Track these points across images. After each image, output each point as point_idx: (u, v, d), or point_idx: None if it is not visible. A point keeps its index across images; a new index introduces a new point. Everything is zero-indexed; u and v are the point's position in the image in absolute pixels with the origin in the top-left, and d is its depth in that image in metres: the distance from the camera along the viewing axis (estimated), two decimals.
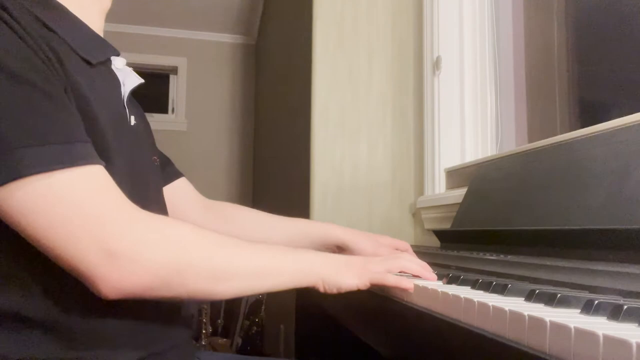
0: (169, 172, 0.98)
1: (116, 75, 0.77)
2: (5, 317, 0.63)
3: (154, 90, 4.12)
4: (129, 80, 0.78)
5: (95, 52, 0.73)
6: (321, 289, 0.72)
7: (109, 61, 0.77)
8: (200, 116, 4.17)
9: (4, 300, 0.63)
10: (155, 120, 4.01)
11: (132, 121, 0.78)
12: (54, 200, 0.58)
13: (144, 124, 0.85)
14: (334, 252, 0.99)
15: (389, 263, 0.76)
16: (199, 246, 0.65)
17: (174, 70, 4.21)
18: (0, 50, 0.59)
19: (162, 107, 4.18)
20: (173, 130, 4.07)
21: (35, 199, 0.57)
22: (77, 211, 0.58)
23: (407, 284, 0.70)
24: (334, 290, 0.72)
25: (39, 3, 0.69)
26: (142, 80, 0.80)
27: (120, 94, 0.77)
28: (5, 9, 0.62)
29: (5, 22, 0.61)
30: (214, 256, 0.66)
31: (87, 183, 0.60)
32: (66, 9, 0.73)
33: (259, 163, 3.90)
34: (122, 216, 0.61)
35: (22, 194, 0.57)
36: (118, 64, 0.78)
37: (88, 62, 0.71)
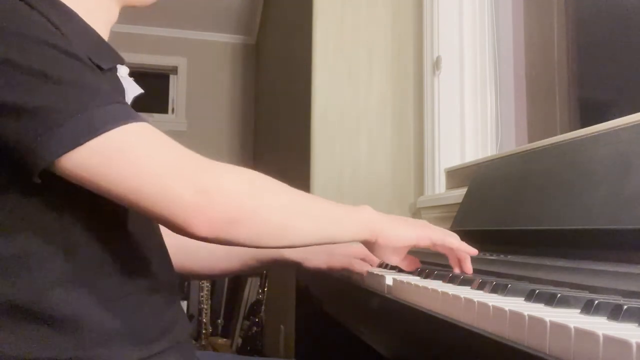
0: None
1: (121, 83, 0.78)
2: (12, 311, 0.63)
3: (154, 90, 4.12)
4: (131, 89, 0.80)
5: (106, 59, 0.74)
6: (380, 241, 0.74)
7: (115, 68, 0.78)
8: (200, 116, 4.17)
9: (10, 292, 0.63)
10: (155, 120, 4.01)
11: None
12: (135, 150, 0.60)
13: None
14: None
15: (443, 234, 0.78)
16: (269, 183, 0.68)
17: (174, 70, 4.21)
18: (45, 30, 0.62)
19: (162, 107, 4.18)
20: (173, 130, 4.07)
21: (116, 152, 0.59)
22: (160, 156, 0.62)
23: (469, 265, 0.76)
24: (393, 242, 0.74)
25: (54, 7, 0.70)
26: (142, 91, 0.83)
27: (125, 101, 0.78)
28: (35, 3, 0.64)
29: (40, 12, 0.63)
30: (287, 195, 0.68)
31: (156, 134, 0.64)
32: (78, 15, 0.74)
33: (259, 163, 3.90)
34: (197, 156, 0.64)
35: (103, 149, 0.59)
36: (122, 73, 0.80)
37: (99, 68, 0.71)
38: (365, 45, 1.96)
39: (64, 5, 0.72)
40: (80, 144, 0.58)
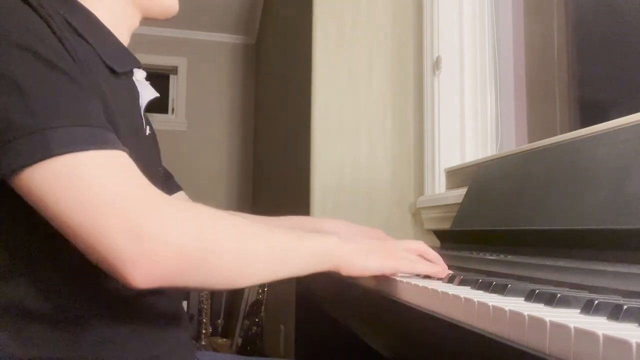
0: (171, 184, 1.00)
1: (136, 87, 0.79)
2: (12, 310, 0.63)
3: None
4: (146, 92, 0.80)
5: (120, 62, 0.74)
6: (343, 272, 0.70)
7: (131, 72, 0.78)
8: (200, 116, 4.17)
9: (14, 293, 0.63)
10: (155, 120, 3.99)
11: (147, 131, 0.81)
12: (82, 180, 0.56)
13: (154, 135, 0.87)
14: None
15: (412, 264, 0.74)
16: (224, 227, 0.63)
17: (174, 70, 4.21)
18: (36, 37, 0.59)
19: (162, 107, 4.18)
20: (173, 130, 4.07)
21: (63, 179, 0.56)
22: (104, 191, 0.57)
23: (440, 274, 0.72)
24: (356, 274, 0.71)
25: (71, 9, 0.70)
26: (158, 94, 0.82)
27: (139, 105, 0.79)
28: (42, 6, 0.63)
29: (41, 16, 0.62)
30: (238, 238, 0.64)
31: (114, 165, 0.59)
32: (96, 17, 0.74)
33: (259, 163, 3.90)
34: (149, 197, 0.59)
35: (50, 174, 0.56)
36: (138, 76, 0.80)
37: (113, 71, 0.72)
38: (365, 45, 1.96)
39: (87, 10, 0.73)
40: (29, 164, 0.55)
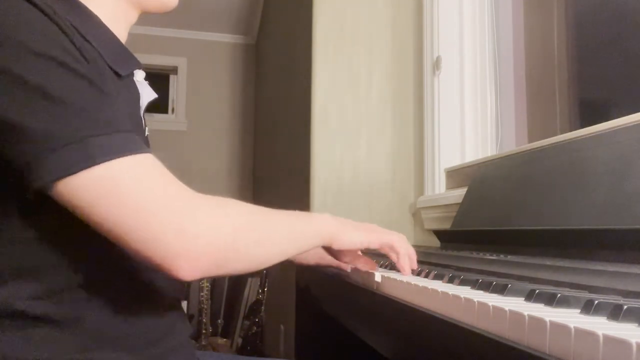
0: None
1: (137, 88, 0.79)
2: (18, 313, 0.63)
3: (154, 90, 4.11)
4: (146, 93, 0.80)
5: (124, 65, 0.74)
6: (335, 246, 0.79)
7: (132, 74, 0.78)
8: (200, 116, 4.17)
9: (19, 297, 0.63)
10: (155, 120, 4.01)
11: (147, 132, 0.81)
12: (124, 186, 0.59)
13: (148, 136, 0.87)
14: None
15: (390, 238, 0.85)
16: (248, 218, 0.69)
17: (174, 70, 4.21)
18: (54, 44, 0.60)
19: (162, 107, 4.18)
20: (173, 130, 4.07)
21: (106, 186, 0.58)
22: (149, 195, 0.60)
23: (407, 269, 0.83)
24: (346, 246, 0.80)
25: (75, 12, 0.69)
26: (157, 95, 0.83)
27: (139, 106, 0.78)
28: (54, 11, 0.62)
29: (54, 21, 0.61)
30: (259, 226, 0.69)
31: (150, 168, 0.62)
32: (99, 19, 0.74)
33: (259, 163, 3.90)
34: (185, 196, 0.63)
35: (93, 181, 0.58)
36: (138, 77, 0.80)
37: (117, 74, 0.72)
38: (365, 45, 1.96)
39: (89, 12, 0.73)
40: (72, 172, 0.57)
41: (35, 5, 0.60)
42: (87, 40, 0.67)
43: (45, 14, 0.61)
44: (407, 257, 0.84)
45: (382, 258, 1.00)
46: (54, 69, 0.59)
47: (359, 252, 0.93)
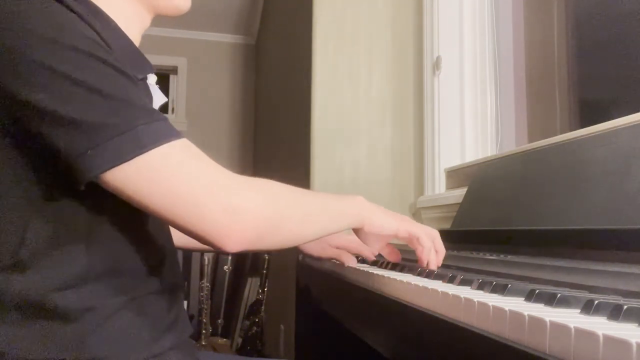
0: None
1: (150, 91, 0.79)
2: (24, 306, 0.63)
3: None
4: (157, 97, 0.82)
5: (139, 69, 0.76)
6: (366, 228, 0.82)
7: (146, 77, 0.79)
8: (200, 116, 4.17)
9: (26, 289, 0.63)
10: None
11: None
12: (174, 171, 0.63)
13: None
14: None
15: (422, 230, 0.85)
16: (287, 195, 0.73)
17: (174, 70, 4.21)
18: (98, 47, 0.63)
19: (162, 107, 4.17)
20: None
21: (158, 171, 0.62)
22: (197, 176, 0.64)
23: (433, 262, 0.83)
24: (377, 230, 0.82)
25: (99, 20, 0.70)
26: (167, 99, 0.84)
27: None
28: (83, 12, 0.64)
29: (81, 18, 0.64)
30: (298, 203, 0.74)
31: (192, 152, 0.66)
32: (116, 23, 0.75)
33: (259, 163, 3.90)
34: (230, 176, 0.67)
35: (145, 168, 0.61)
36: (151, 81, 0.81)
37: (134, 77, 0.72)
38: (365, 45, 1.96)
39: (107, 17, 0.74)
40: (126, 160, 0.60)
41: (66, 6, 0.63)
42: (107, 43, 0.68)
43: (76, 13, 0.63)
44: (431, 251, 0.84)
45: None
46: (101, 68, 0.62)
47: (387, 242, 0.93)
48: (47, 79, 0.59)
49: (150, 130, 0.62)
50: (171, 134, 0.64)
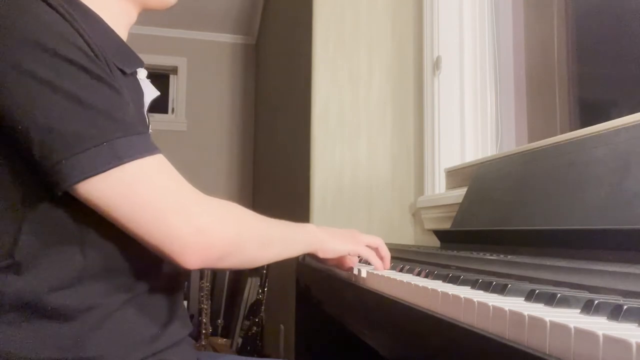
0: None
1: (140, 86, 0.79)
2: (22, 307, 0.63)
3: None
4: (148, 91, 0.81)
5: (128, 63, 0.75)
6: (320, 255, 0.87)
7: (135, 72, 0.79)
8: (200, 116, 4.17)
9: (25, 289, 0.63)
10: (155, 120, 4.00)
11: (150, 129, 0.81)
12: (146, 186, 0.64)
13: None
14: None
15: (368, 253, 0.92)
16: (250, 221, 0.76)
17: (174, 70, 4.21)
18: (77, 50, 0.62)
19: (162, 107, 4.18)
20: (173, 130, 4.07)
21: (130, 185, 0.62)
22: (167, 193, 0.65)
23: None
24: (330, 255, 0.87)
25: (79, 12, 0.70)
26: (159, 93, 0.85)
27: (143, 104, 0.80)
28: (67, 11, 0.63)
29: (68, 21, 0.63)
30: (258, 229, 0.77)
31: (164, 169, 0.67)
32: (101, 18, 0.75)
33: (259, 163, 3.90)
34: (199, 196, 0.69)
35: (118, 181, 0.62)
36: (141, 75, 0.81)
37: (122, 72, 0.72)
38: (365, 44, 1.96)
39: (96, 16, 0.74)
40: (100, 172, 0.61)
41: (51, 6, 0.62)
42: (95, 45, 0.68)
43: (61, 15, 0.62)
44: (376, 258, 0.91)
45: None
46: (82, 76, 0.61)
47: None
48: (26, 84, 0.59)
49: (126, 143, 0.62)
50: (147, 149, 0.64)
